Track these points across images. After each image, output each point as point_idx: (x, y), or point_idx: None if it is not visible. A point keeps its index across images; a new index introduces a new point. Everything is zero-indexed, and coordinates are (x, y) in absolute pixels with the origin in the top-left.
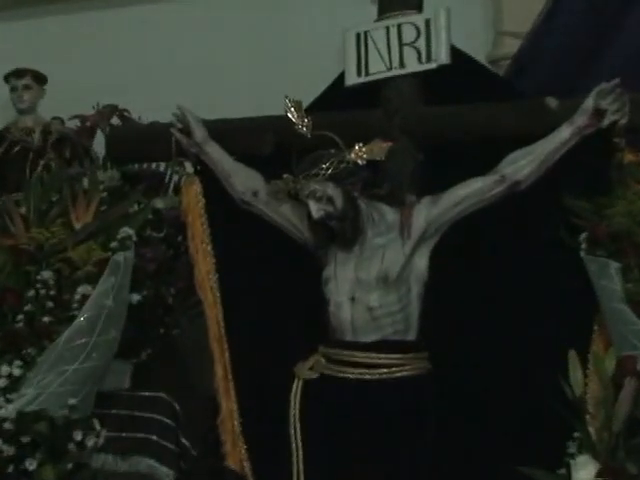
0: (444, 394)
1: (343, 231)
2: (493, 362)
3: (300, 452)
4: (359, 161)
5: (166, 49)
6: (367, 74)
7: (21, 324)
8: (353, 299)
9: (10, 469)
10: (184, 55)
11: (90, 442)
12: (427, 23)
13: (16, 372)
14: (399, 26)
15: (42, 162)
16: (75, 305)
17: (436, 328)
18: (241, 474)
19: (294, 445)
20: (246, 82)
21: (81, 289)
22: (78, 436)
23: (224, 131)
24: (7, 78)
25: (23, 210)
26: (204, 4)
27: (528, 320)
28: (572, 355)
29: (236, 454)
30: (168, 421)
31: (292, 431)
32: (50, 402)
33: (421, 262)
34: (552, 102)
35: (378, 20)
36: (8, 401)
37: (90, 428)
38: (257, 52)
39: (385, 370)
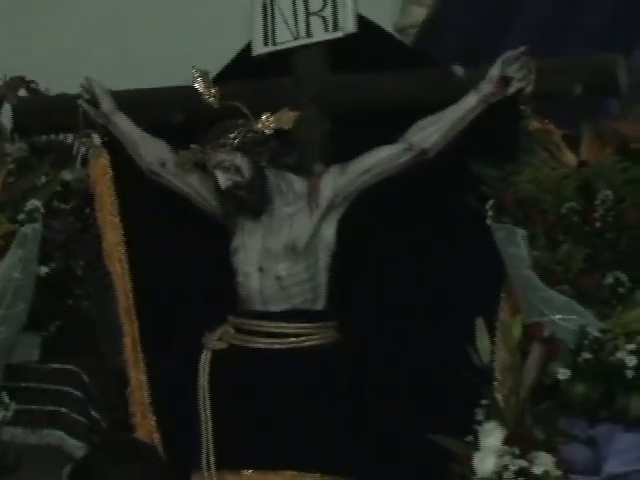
0: (355, 363)
1: (251, 201)
2: (402, 331)
3: (210, 423)
4: (267, 131)
5: (72, 21)
6: (274, 43)
7: None
8: (261, 269)
9: None
10: (91, 28)
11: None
12: None
13: None
14: None
15: None
16: None
17: (346, 297)
18: (151, 445)
19: (203, 416)
20: (152, 52)
21: None
22: None
23: (132, 102)
24: None
25: None
26: None
27: (437, 288)
28: (479, 323)
29: (146, 426)
30: (78, 393)
31: (201, 402)
32: None
33: (329, 232)
34: (459, 70)
35: None
36: None
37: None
38: (163, 22)
39: (294, 339)
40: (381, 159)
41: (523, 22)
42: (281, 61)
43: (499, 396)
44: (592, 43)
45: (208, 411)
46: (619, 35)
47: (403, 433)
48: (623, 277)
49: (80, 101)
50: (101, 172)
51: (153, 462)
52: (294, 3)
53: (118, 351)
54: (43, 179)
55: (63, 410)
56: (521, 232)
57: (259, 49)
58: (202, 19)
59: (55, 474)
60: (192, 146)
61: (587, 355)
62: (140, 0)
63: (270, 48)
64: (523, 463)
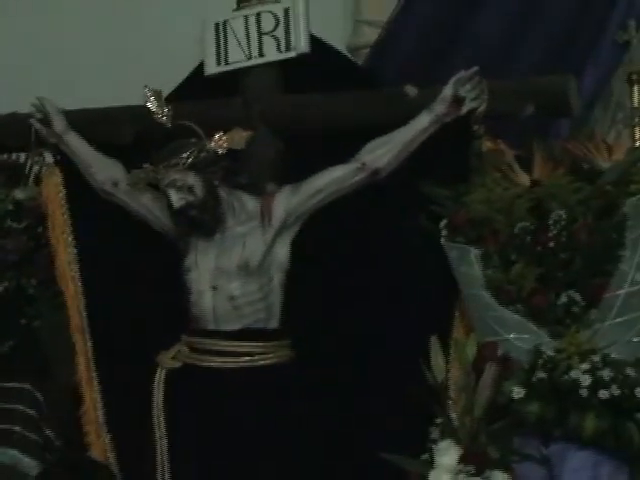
0: (309, 381)
1: (203, 220)
2: (357, 349)
3: (164, 441)
4: (219, 150)
5: (26, 39)
6: (227, 63)
7: None
8: (215, 288)
9: None
10: (40, 45)
11: None
12: (286, 12)
13: None
14: (258, 15)
15: None
16: None
17: (300, 316)
18: (105, 464)
19: (157, 435)
20: (104, 72)
21: None
22: None
23: (84, 121)
24: None
25: None
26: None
27: (391, 307)
28: (434, 341)
29: (100, 444)
30: (31, 412)
31: (155, 421)
32: None
33: (282, 251)
34: (411, 90)
35: (237, 9)
36: None
37: None
38: (114, 41)
39: (248, 358)
40: (333, 179)
41: (474, 41)
42: (233, 81)
43: (454, 415)
44: (542, 63)
45: (162, 429)
46: (570, 54)
47: (357, 452)
48: (577, 297)
49: (32, 120)
50: (53, 191)
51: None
52: (247, 23)
53: (72, 370)
54: None
55: (17, 429)
56: (474, 252)
57: (212, 69)
58: (153, 39)
59: None
60: (145, 165)
61: (541, 374)
62: (89, 19)
63: (223, 68)
64: None
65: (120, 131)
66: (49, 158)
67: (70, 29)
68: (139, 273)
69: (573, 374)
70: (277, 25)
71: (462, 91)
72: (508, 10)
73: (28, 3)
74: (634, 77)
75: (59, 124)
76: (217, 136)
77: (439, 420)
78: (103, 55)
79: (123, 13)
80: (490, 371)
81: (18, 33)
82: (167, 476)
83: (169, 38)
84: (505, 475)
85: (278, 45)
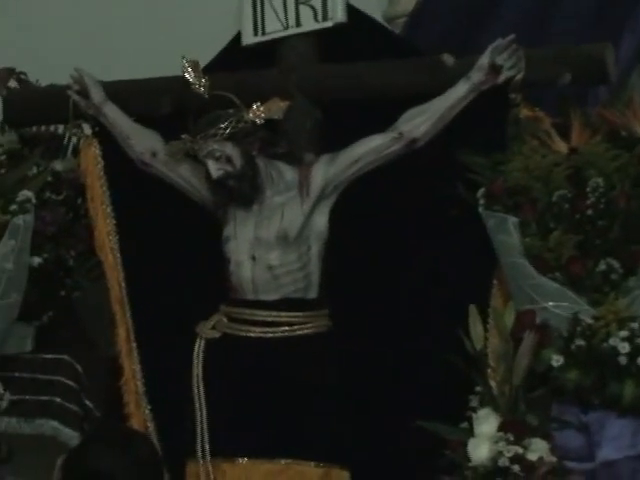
0: (348, 351)
1: (242, 190)
2: (395, 319)
3: (204, 411)
4: (257, 120)
5: (62, 14)
6: (264, 33)
7: None
8: (253, 258)
9: None
10: (79, 20)
11: None
12: None
13: None
14: None
15: None
16: None
17: (339, 286)
18: (145, 434)
19: (197, 405)
20: (142, 43)
21: None
22: None
23: (122, 92)
24: None
25: None
26: None
27: (430, 276)
28: (472, 310)
29: (140, 415)
30: (71, 383)
31: (195, 390)
32: None
33: (321, 220)
34: (448, 59)
35: None
36: None
37: None
38: (151, 13)
39: (287, 328)
40: (371, 149)
41: (511, 9)
42: (270, 51)
43: (493, 383)
44: (579, 30)
45: (202, 399)
46: (607, 20)
47: (396, 421)
48: (615, 264)
49: (70, 92)
50: (92, 162)
51: (147, 450)
52: None
53: (111, 341)
54: (34, 170)
55: (57, 400)
56: (512, 220)
57: (249, 39)
58: (191, 9)
59: (50, 464)
60: (183, 136)
61: (580, 342)
62: None
63: (260, 38)
64: (518, 449)
65: (158, 102)
66: (87, 130)
67: (106, 2)
68: (178, 244)
69: (612, 342)
70: None
71: (499, 59)
72: None
73: None
74: None
75: (97, 95)
76: (254, 106)
77: (478, 388)
78: (141, 25)
79: None
80: (528, 339)
81: (59, 13)
82: (207, 445)
83: (207, 8)
84: (544, 442)
85: (315, 15)
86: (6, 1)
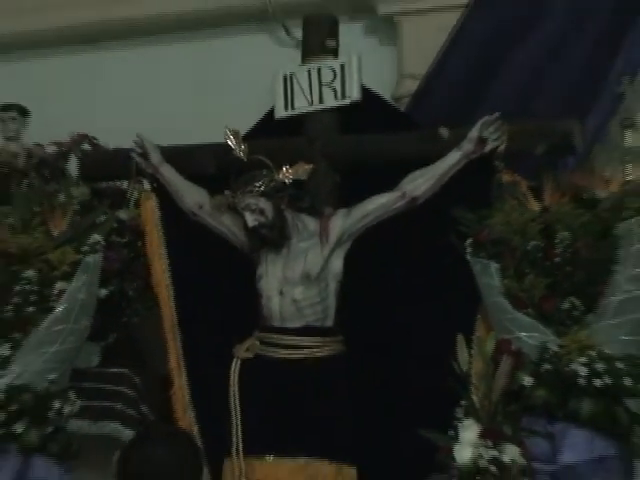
0: (357, 371)
1: (272, 237)
2: (397, 346)
3: (238, 418)
4: (286, 180)
5: (123, 87)
6: (292, 109)
7: (10, 313)
8: (281, 293)
9: (1, 432)
10: (140, 92)
11: (66, 410)
12: (342, 67)
13: (5, 353)
14: (319, 69)
15: (26, 181)
16: (53, 298)
17: (350, 317)
18: (189, 433)
19: (233, 412)
20: (192, 113)
21: (58, 285)
22: (56, 405)
23: (175, 155)
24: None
25: (11, 220)
26: (154, 52)
27: (426, 311)
28: (460, 338)
29: (186, 419)
30: (130, 392)
31: (232, 401)
32: (33, 377)
33: (337, 263)
34: (444, 132)
35: (302, 64)
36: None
37: (66, 398)
38: (202, 90)
39: (307, 351)
40: (379, 205)
41: (495, 92)
42: (298, 123)
43: (475, 398)
44: (554, 110)
45: (237, 409)
46: (576, 101)
47: (397, 429)
48: (578, 302)
49: (133, 154)
50: (150, 212)
51: (191, 447)
52: (309, 76)
53: (164, 359)
54: (102, 218)
55: (119, 406)
56: (494, 265)
57: (280, 113)
58: (234, 88)
59: (112, 459)
60: (225, 192)
61: (547, 366)
62: (183, 75)
63: (289, 112)
64: (495, 453)
65: (205, 164)
66: (147, 185)
67: (163, 80)
68: (219, 280)
69: (573, 366)
70: (335, 77)
71: (486, 133)
72: (525, 68)
73: (133, 61)
74: (626, 122)
75: (155, 157)
76: (284, 168)
77: (463, 402)
78: (192, 102)
79: (210, 71)
80: (505, 363)
81: (120, 86)
82: (240, 445)
83: (247, 88)
84: (516, 448)
85: (335, 94)
86: (77, 80)
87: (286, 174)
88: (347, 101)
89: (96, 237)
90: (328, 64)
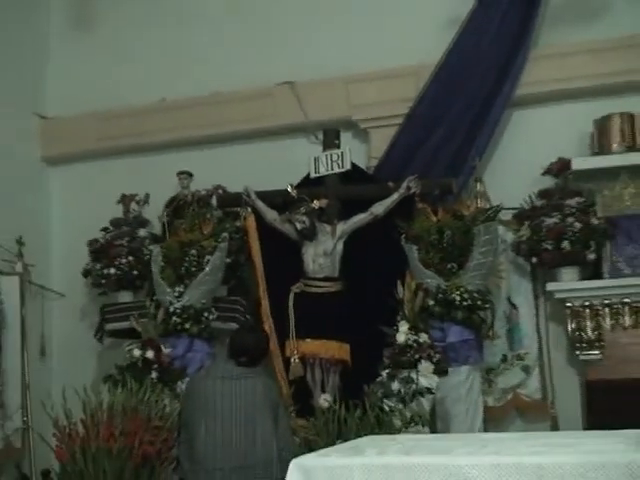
0: (351, 297)
1: (309, 235)
2: (371, 286)
3: (292, 320)
4: (316, 207)
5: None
6: (318, 172)
7: (183, 271)
8: (313, 261)
9: (179, 327)
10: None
11: (210, 317)
12: (342, 153)
13: (181, 290)
14: (331, 154)
15: (192, 208)
16: (204, 263)
17: (346, 271)
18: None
19: (291, 317)
20: (269, 180)
21: (207, 257)
22: (205, 314)
23: (263, 195)
24: (179, 174)
25: (184, 225)
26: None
27: (382, 271)
28: (399, 283)
29: (268, 323)
30: (241, 308)
31: (290, 312)
32: (194, 301)
33: (339, 246)
34: (391, 184)
35: (323, 152)
36: (178, 301)
37: (210, 311)
38: (264, 166)
39: (325, 288)
40: (359, 219)
41: (415, 163)
42: (321, 179)
43: (406, 311)
44: (443, 172)
45: (292, 316)
46: (453, 169)
47: (368, 325)
48: (454, 265)
49: (242, 194)
50: (250, 225)
51: (263, 336)
52: (326, 157)
53: (256, 292)
54: (228, 225)
55: (237, 315)
56: (414, 247)
57: (312, 174)
58: (286, 168)
59: None
60: (286, 212)
61: (440, 296)
62: (246, 154)
63: (317, 174)
64: (416, 337)
65: (277, 199)
66: (249, 210)
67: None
68: (285, 254)
69: (453, 295)
70: (339, 157)
71: (410, 184)
72: (429, 150)
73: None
74: (477, 179)
75: (254, 196)
76: (315, 201)
77: (400, 313)
78: (269, 174)
79: (268, 154)
80: (420, 295)
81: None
82: (293, 333)
83: (295, 162)
84: (426, 334)
85: (339, 165)
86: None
87: (316, 204)
88: (344, 169)
89: (224, 234)
90: (336, 152)
